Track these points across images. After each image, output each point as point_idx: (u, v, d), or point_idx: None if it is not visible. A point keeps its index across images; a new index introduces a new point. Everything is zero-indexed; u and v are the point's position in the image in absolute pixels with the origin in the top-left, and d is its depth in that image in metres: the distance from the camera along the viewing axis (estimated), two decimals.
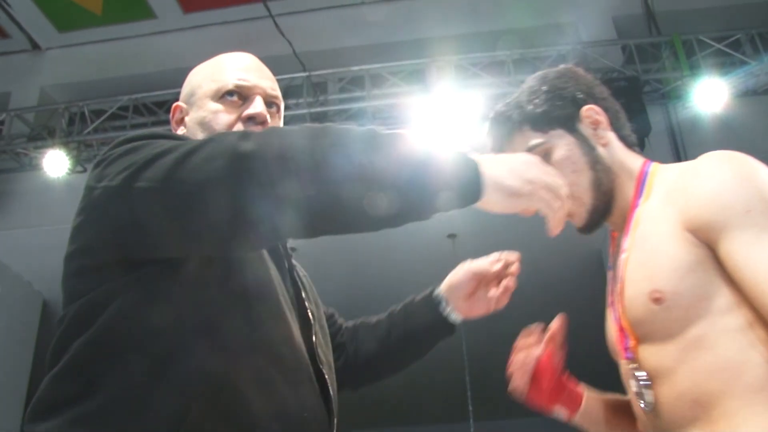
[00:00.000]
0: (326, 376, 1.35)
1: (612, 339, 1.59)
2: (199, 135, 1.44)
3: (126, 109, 7.15)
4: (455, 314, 1.70)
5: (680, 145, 6.66)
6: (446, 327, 1.72)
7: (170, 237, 1.06)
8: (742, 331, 1.25)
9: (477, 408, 8.20)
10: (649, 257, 1.38)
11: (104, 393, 1.04)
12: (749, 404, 1.20)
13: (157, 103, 7.37)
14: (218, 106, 1.45)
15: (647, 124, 6.22)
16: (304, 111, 6.65)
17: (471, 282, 1.68)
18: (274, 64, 6.77)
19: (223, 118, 1.43)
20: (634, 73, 6.60)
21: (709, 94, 6.34)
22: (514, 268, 1.68)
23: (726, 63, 6.79)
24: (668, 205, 1.40)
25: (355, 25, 8.32)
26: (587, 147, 1.51)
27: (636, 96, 6.27)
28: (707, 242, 1.31)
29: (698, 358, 1.28)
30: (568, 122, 1.53)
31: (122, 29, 8.61)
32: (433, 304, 1.72)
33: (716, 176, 1.33)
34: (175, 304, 1.13)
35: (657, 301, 1.32)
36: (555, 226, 1.17)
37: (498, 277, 1.68)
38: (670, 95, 6.68)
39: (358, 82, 7.09)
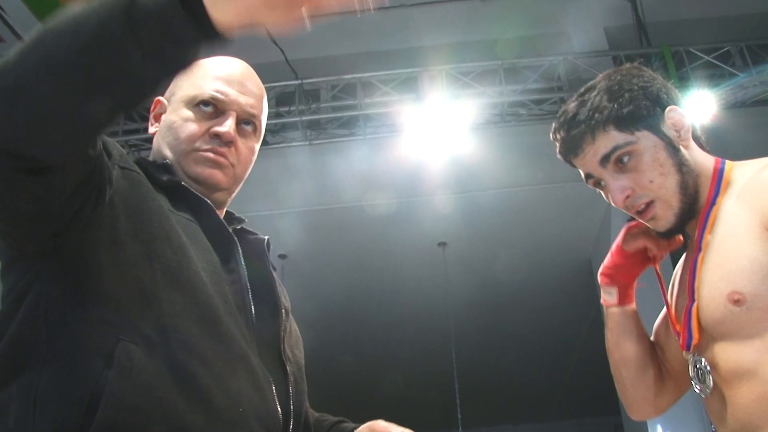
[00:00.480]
0: (290, 375, 1.32)
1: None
2: (166, 138, 1.42)
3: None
4: None
5: None
6: None
7: None
8: None
9: (465, 415, 8.24)
10: (727, 257, 1.37)
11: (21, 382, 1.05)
12: None
13: (145, 107, 7.36)
14: (189, 114, 1.41)
15: None
16: (296, 119, 6.65)
17: None
18: (266, 71, 6.77)
19: (190, 127, 1.40)
20: None
21: (698, 106, 6.40)
22: None
23: (715, 75, 6.85)
24: (746, 203, 1.38)
25: (348, 33, 8.34)
26: (672, 149, 1.48)
27: None
28: None
29: None
30: (654, 123, 1.49)
31: None
32: None
33: None
34: (81, 295, 1.10)
35: (737, 302, 1.32)
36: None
37: None
38: None
39: (350, 90, 7.13)
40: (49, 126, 0.91)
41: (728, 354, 1.37)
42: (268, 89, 6.16)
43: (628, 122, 1.46)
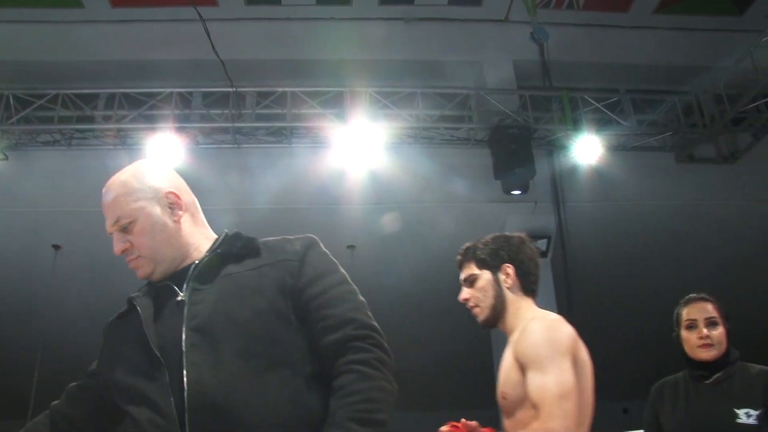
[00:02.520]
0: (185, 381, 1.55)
1: None
2: None
3: (53, 101, 7.38)
4: None
5: (559, 190, 7.63)
6: None
7: None
8: None
9: None
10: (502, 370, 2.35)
11: None
12: None
13: (80, 96, 7.60)
14: None
15: (533, 169, 7.11)
16: (228, 124, 7.10)
17: None
18: (197, 67, 7.34)
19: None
20: (526, 120, 7.47)
21: (587, 147, 7.29)
22: None
23: (604, 119, 7.74)
24: (512, 342, 2.37)
25: (279, 40, 8.78)
26: (498, 287, 2.45)
27: (526, 143, 7.13)
28: None
29: None
30: (493, 268, 2.44)
31: (46, 13, 8.73)
32: None
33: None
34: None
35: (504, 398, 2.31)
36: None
37: None
38: (556, 144, 7.60)
39: (280, 100, 7.60)
40: None
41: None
42: (204, 94, 6.64)
43: (480, 263, 2.46)
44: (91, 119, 7.61)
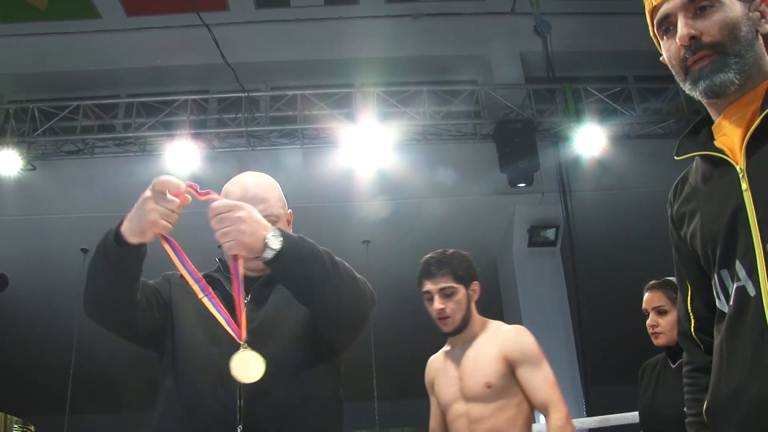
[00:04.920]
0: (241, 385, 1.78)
1: None
2: None
3: (75, 111, 7.70)
4: None
5: (565, 180, 7.81)
6: None
7: None
8: None
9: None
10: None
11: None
12: None
13: (100, 106, 7.91)
14: None
15: (537, 162, 7.31)
16: (242, 129, 7.38)
17: None
18: (211, 72, 7.61)
19: None
20: (531, 113, 7.65)
21: (591, 138, 7.45)
22: None
23: (608, 109, 7.89)
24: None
25: (289, 41, 9.01)
26: (468, 302, 2.78)
27: (530, 136, 7.31)
28: None
29: None
30: (467, 284, 2.77)
31: (66, 25, 9.06)
32: None
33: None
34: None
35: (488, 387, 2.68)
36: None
37: None
38: (560, 136, 7.77)
39: (291, 102, 7.85)
40: (93, 304, 1.81)
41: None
42: (215, 99, 6.90)
43: (456, 277, 2.75)
44: (111, 128, 7.94)
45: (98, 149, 7.86)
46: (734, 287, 1.31)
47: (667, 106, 8.09)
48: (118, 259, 1.68)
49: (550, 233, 7.94)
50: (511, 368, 2.69)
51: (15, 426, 6.06)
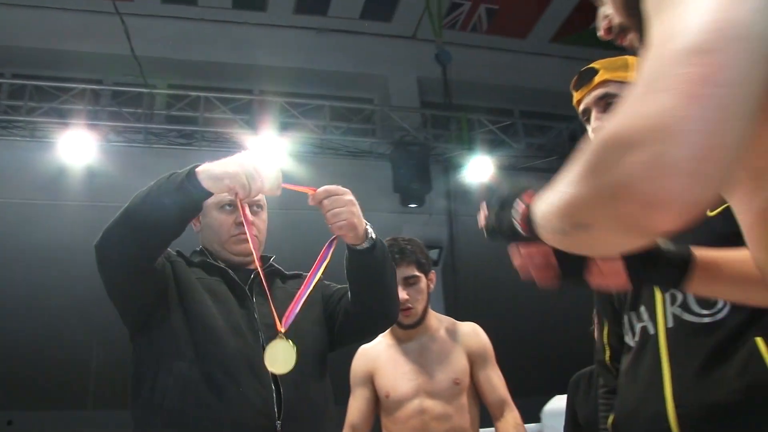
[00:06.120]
0: (277, 377, 1.80)
1: None
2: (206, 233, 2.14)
3: None
4: None
5: (452, 206, 8.21)
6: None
7: None
8: None
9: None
10: None
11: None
12: None
13: None
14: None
15: (429, 185, 7.65)
16: (141, 125, 7.29)
17: None
18: (106, 62, 7.40)
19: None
20: (426, 137, 8.00)
21: (480, 167, 7.88)
22: None
23: (497, 140, 8.36)
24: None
25: (193, 40, 8.89)
26: (427, 292, 2.73)
27: (424, 160, 7.64)
28: None
29: None
30: (426, 273, 2.73)
31: None
32: None
33: None
34: (156, 339, 1.86)
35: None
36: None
37: None
38: (452, 161, 8.16)
39: (193, 103, 7.81)
40: (155, 245, 1.78)
41: None
42: (111, 92, 6.69)
43: (419, 266, 2.69)
44: None
45: None
46: (639, 326, 1.64)
47: (550, 143, 8.66)
48: (195, 201, 1.69)
49: (434, 253, 8.30)
50: (471, 365, 2.67)
51: None
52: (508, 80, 9.66)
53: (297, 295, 1.83)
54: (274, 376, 1.78)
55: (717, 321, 1.49)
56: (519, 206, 0.99)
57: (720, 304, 1.51)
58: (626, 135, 0.63)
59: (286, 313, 1.80)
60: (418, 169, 7.51)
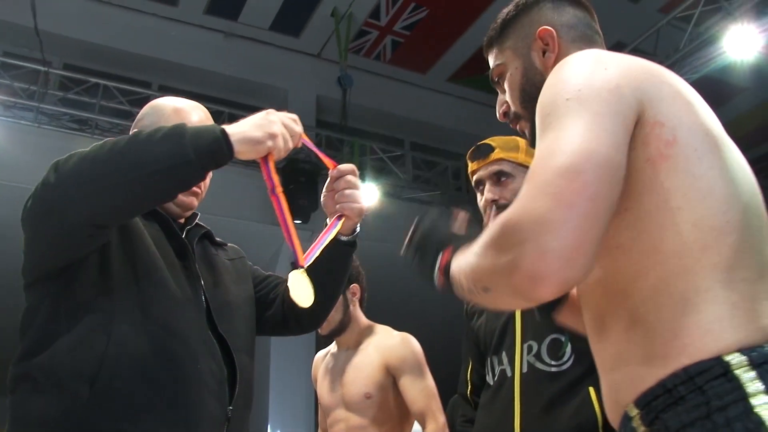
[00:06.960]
0: (228, 343, 1.57)
1: None
2: None
3: None
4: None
5: None
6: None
7: None
8: None
9: None
10: None
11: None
12: None
13: None
14: None
15: (316, 203, 7.86)
16: (34, 103, 7.13)
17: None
18: (7, 31, 7.11)
19: None
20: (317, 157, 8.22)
21: (367, 192, 8.18)
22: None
23: (386, 168, 8.70)
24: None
25: (98, 23, 8.68)
26: (346, 304, 2.85)
27: (314, 178, 7.85)
28: None
29: None
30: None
31: None
32: None
33: None
34: (87, 294, 1.43)
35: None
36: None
37: None
38: None
39: (91, 89, 7.71)
40: (124, 209, 1.41)
41: None
42: (11, 66, 6.42)
43: None
44: None
45: None
46: (499, 369, 1.98)
47: (435, 177, 9.11)
48: (217, 166, 1.39)
49: None
50: (392, 377, 2.73)
51: None
52: (403, 111, 10.07)
53: (321, 235, 1.67)
54: (225, 352, 1.57)
55: (562, 371, 1.86)
56: (440, 260, 1.18)
57: (566, 357, 1.87)
58: (520, 225, 0.93)
59: (309, 250, 1.58)
60: (307, 187, 7.72)
